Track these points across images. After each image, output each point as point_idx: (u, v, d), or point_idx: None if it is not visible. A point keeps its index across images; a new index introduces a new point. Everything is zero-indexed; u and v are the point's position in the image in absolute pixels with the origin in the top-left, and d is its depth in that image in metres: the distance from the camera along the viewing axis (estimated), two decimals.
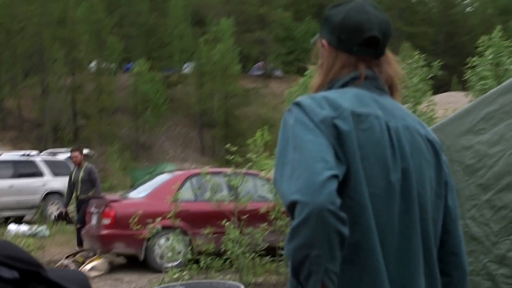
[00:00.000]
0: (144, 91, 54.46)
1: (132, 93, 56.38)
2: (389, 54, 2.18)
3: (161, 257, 10.93)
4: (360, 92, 2.05)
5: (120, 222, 10.73)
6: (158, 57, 63.73)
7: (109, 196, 12.71)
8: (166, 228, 10.40)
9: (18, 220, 18.97)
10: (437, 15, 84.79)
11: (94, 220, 11.59)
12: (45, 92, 49.69)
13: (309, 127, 1.88)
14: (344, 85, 2.09)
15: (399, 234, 1.95)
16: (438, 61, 14.22)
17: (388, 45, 2.15)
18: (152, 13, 67.89)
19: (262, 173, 10.85)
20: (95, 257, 11.35)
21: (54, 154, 23.94)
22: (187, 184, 11.55)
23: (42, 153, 23.82)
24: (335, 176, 1.78)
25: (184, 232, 10.95)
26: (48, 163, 20.84)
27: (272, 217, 9.37)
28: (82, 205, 12.59)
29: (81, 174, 12.81)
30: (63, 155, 23.53)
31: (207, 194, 9.87)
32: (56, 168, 20.98)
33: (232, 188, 10.28)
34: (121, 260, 11.85)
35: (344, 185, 1.86)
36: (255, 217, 9.55)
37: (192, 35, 64.23)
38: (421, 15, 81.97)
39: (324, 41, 2.18)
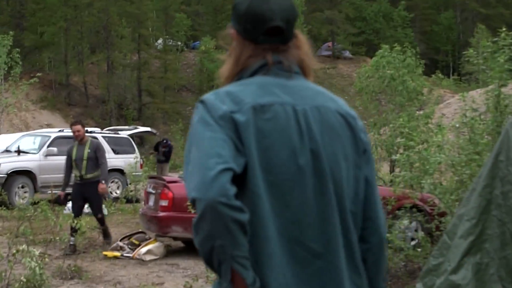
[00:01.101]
0: (210, 69, 53.99)
1: (198, 71, 56.03)
2: (299, 36, 2.25)
3: None
4: (265, 81, 2.12)
5: (178, 204, 10.05)
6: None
7: (168, 176, 12.03)
8: None
9: None
10: None
11: (151, 201, 10.99)
12: (110, 69, 49.71)
13: (208, 124, 1.98)
14: (253, 74, 2.15)
15: (318, 213, 2.04)
16: None
17: (294, 27, 2.20)
18: None
19: None
20: (151, 240, 10.74)
21: (116, 131, 23.59)
22: None
23: (104, 130, 23.49)
24: (227, 169, 1.88)
25: None
26: (110, 140, 20.47)
27: None
28: (87, 185, 10.83)
29: (86, 150, 10.82)
30: (125, 132, 23.20)
31: None
32: (118, 146, 20.64)
33: None
34: (179, 245, 11.21)
35: (244, 176, 1.96)
36: None
37: None
38: None
39: (233, 30, 2.22)
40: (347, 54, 66.27)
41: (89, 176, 10.82)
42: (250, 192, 1.97)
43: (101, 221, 11.21)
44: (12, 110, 29.69)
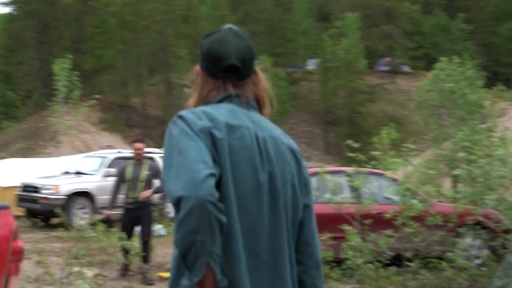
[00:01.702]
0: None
1: None
2: (259, 73, 2.51)
3: None
4: (233, 107, 2.38)
5: None
6: (282, 53, 63.25)
7: None
8: None
9: None
10: None
11: None
12: (169, 89, 50.19)
13: (190, 135, 2.22)
14: (221, 101, 2.41)
15: (269, 225, 2.30)
16: None
17: (252, 66, 2.46)
18: (276, 9, 67.43)
19: (388, 173, 9.71)
20: None
21: None
22: (314, 182, 10.56)
23: (161, 150, 23.55)
24: (213, 174, 2.13)
25: None
26: None
27: (399, 222, 8.27)
28: (140, 209, 10.04)
29: (145, 171, 9.93)
30: None
31: (327, 195, 8.87)
32: None
33: (354, 189, 9.26)
34: None
35: (219, 184, 2.19)
36: (379, 222, 8.45)
37: (316, 31, 63.33)
38: None
39: (198, 67, 2.52)
40: (406, 68, 65.56)
41: (144, 200, 9.93)
42: (224, 198, 2.20)
43: (147, 246, 10.21)
44: (72, 133, 30.17)
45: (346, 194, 9.39)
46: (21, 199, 18.76)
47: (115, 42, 50.15)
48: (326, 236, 8.27)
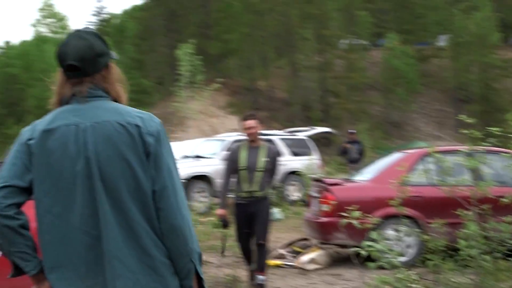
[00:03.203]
0: (396, 66, 52.58)
1: (383, 69, 54.71)
2: (110, 68, 2.78)
3: (388, 251, 9.37)
4: (63, 109, 2.68)
5: (340, 209, 9.28)
6: (411, 30, 61.19)
7: (329, 179, 11.27)
8: (393, 217, 8.91)
9: None
10: None
11: (314, 206, 10.34)
12: (294, 71, 49.81)
13: (14, 150, 2.64)
14: (66, 102, 2.70)
15: (89, 202, 2.56)
16: None
17: (95, 63, 2.70)
18: None
19: None
20: (313, 247, 10.09)
21: (294, 133, 23.22)
22: (421, 165, 9.79)
23: (282, 132, 23.21)
24: (5, 186, 2.54)
25: (416, 222, 9.31)
26: (288, 142, 20.14)
27: None
28: (255, 204, 7.70)
29: (262, 158, 7.67)
30: (303, 134, 22.79)
31: (438, 177, 8.10)
32: (296, 148, 20.28)
33: (473, 170, 8.42)
34: (347, 252, 10.44)
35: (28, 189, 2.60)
36: (502, 207, 7.59)
37: (446, 6, 60.85)
38: None
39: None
40: None
41: (261, 193, 7.65)
42: (36, 199, 2.59)
43: (263, 251, 7.76)
44: (199, 117, 30.45)
45: (465, 176, 8.57)
46: None
47: (240, 25, 50.34)
48: (436, 223, 7.56)
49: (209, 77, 46.32)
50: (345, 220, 7.39)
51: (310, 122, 45.62)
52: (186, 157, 19.13)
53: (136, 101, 63.45)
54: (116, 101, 2.76)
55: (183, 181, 17.16)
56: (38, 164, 2.58)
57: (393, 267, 6.94)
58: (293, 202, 18.45)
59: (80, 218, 2.55)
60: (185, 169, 17.57)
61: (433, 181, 8.84)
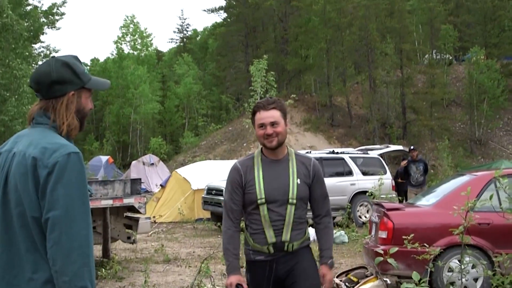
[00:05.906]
0: (480, 81, 50.56)
1: (467, 84, 52.77)
2: (62, 98, 2.87)
3: (453, 283, 8.46)
4: (20, 133, 2.97)
5: (398, 236, 8.42)
6: (497, 44, 58.93)
7: (389, 203, 10.38)
8: (457, 247, 8.06)
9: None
10: None
11: (373, 232, 9.50)
12: (373, 87, 48.66)
13: None
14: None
15: (3, 234, 2.78)
16: None
17: (51, 88, 2.85)
18: None
19: None
20: (371, 277, 9.22)
21: (366, 151, 22.27)
22: (491, 188, 8.82)
23: (353, 150, 22.32)
24: None
25: (484, 252, 8.37)
26: (358, 160, 19.28)
27: None
28: (292, 260, 4.45)
29: (293, 178, 4.34)
30: (376, 152, 21.85)
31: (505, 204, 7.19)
32: (366, 166, 19.37)
33: None
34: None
35: None
36: None
37: None
38: None
39: None
40: None
41: (297, 242, 4.43)
42: None
43: None
44: None
45: None
46: (206, 202, 18.53)
47: (318, 40, 49.59)
48: (500, 257, 6.62)
49: (285, 93, 45.79)
50: (396, 248, 6.61)
51: (388, 139, 44.37)
52: None
53: (216, 118, 63.63)
54: (59, 130, 2.86)
55: None
56: None
57: None
58: (362, 225, 17.57)
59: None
60: None
61: (502, 207, 7.92)
